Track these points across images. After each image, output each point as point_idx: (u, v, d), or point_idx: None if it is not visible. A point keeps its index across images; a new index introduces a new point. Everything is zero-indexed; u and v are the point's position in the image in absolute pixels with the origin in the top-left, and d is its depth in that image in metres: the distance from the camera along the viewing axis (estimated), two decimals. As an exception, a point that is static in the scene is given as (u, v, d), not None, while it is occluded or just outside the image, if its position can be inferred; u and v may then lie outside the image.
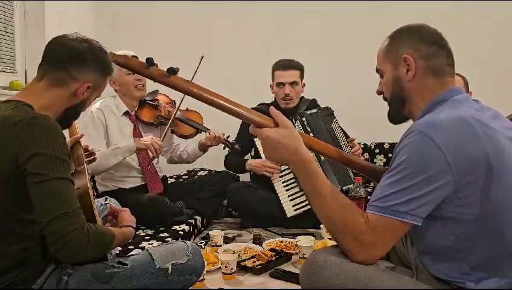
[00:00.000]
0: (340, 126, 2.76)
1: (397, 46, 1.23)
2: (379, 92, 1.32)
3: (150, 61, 1.10)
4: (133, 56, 1.15)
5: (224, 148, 2.78)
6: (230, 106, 1.17)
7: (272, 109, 1.19)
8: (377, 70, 1.31)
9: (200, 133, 2.75)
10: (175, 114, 2.63)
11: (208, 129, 2.71)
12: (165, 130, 2.62)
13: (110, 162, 2.42)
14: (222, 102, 1.16)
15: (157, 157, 2.50)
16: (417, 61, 1.19)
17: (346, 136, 2.73)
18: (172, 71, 1.11)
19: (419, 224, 1.05)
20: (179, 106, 2.65)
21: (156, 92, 2.78)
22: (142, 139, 2.51)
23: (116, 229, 1.35)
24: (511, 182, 1.05)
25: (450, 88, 1.19)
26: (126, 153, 2.46)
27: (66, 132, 1.37)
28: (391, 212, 1.05)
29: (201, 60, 2.54)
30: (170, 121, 2.61)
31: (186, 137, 2.77)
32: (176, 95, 2.57)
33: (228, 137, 2.71)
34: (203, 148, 2.77)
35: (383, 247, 1.10)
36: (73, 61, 1.35)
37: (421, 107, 1.20)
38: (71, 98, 1.37)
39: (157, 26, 3.54)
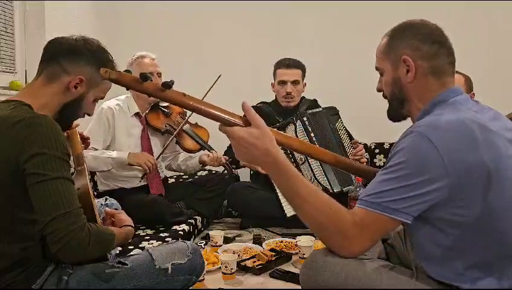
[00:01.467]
0: (345, 127, 2.76)
1: (396, 45, 1.21)
2: (378, 90, 1.31)
3: (144, 77, 1.08)
4: (125, 71, 1.14)
5: (223, 171, 2.81)
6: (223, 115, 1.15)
7: (245, 104, 1.16)
8: (377, 69, 1.30)
9: (204, 150, 2.77)
10: (182, 126, 2.68)
11: (212, 149, 2.73)
12: (169, 140, 2.67)
13: (99, 167, 2.47)
14: (217, 112, 1.15)
15: (150, 173, 2.51)
16: (417, 61, 1.18)
17: (351, 138, 2.73)
18: (167, 85, 1.10)
19: (409, 222, 1.05)
20: (188, 119, 2.70)
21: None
22: (137, 155, 2.52)
23: (116, 229, 1.36)
24: (508, 186, 1.05)
25: (450, 88, 1.18)
26: (116, 165, 2.50)
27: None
28: (382, 208, 1.04)
29: (218, 78, 2.51)
30: (176, 132, 2.65)
31: (189, 151, 2.79)
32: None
33: (230, 161, 2.73)
34: (203, 163, 2.79)
35: (369, 241, 1.10)
36: (66, 54, 1.33)
37: (420, 108, 1.19)
38: (65, 93, 1.34)
39: (158, 26, 3.54)
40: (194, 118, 2.73)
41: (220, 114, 1.15)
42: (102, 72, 1.10)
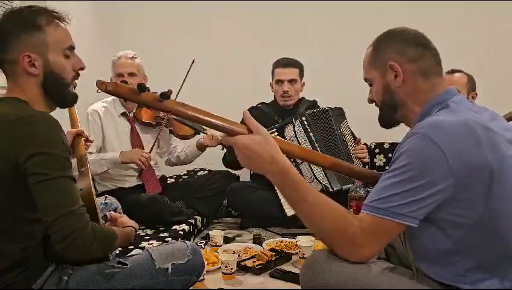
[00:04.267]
0: (349, 128, 2.75)
1: (382, 53, 1.22)
2: (370, 101, 1.31)
3: (141, 87, 1.08)
4: (122, 82, 1.14)
5: (222, 148, 2.81)
6: (225, 124, 1.16)
7: (245, 113, 1.15)
8: (365, 80, 1.30)
9: (199, 134, 2.77)
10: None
11: (206, 130, 2.72)
12: (160, 129, 2.67)
13: (96, 170, 2.48)
14: (218, 121, 1.16)
15: (145, 168, 2.55)
16: (404, 65, 1.18)
17: (355, 139, 2.73)
18: (165, 96, 1.10)
19: (416, 225, 1.05)
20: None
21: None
22: (129, 152, 2.54)
23: (117, 229, 1.35)
24: (510, 186, 1.05)
25: (446, 90, 1.19)
26: (110, 165, 2.53)
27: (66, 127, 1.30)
28: (389, 214, 1.04)
29: (192, 64, 2.55)
30: (165, 120, 2.66)
31: (185, 138, 2.79)
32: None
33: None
34: (202, 148, 2.80)
35: (377, 247, 1.10)
36: (1, 48, 1.25)
37: (417, 111, 1.20)
38: (31, 77, 1.26)
39: (158, 26, 3.54)
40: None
41: (220, 123, 1.15)
42: (98, 84, 1.09)
